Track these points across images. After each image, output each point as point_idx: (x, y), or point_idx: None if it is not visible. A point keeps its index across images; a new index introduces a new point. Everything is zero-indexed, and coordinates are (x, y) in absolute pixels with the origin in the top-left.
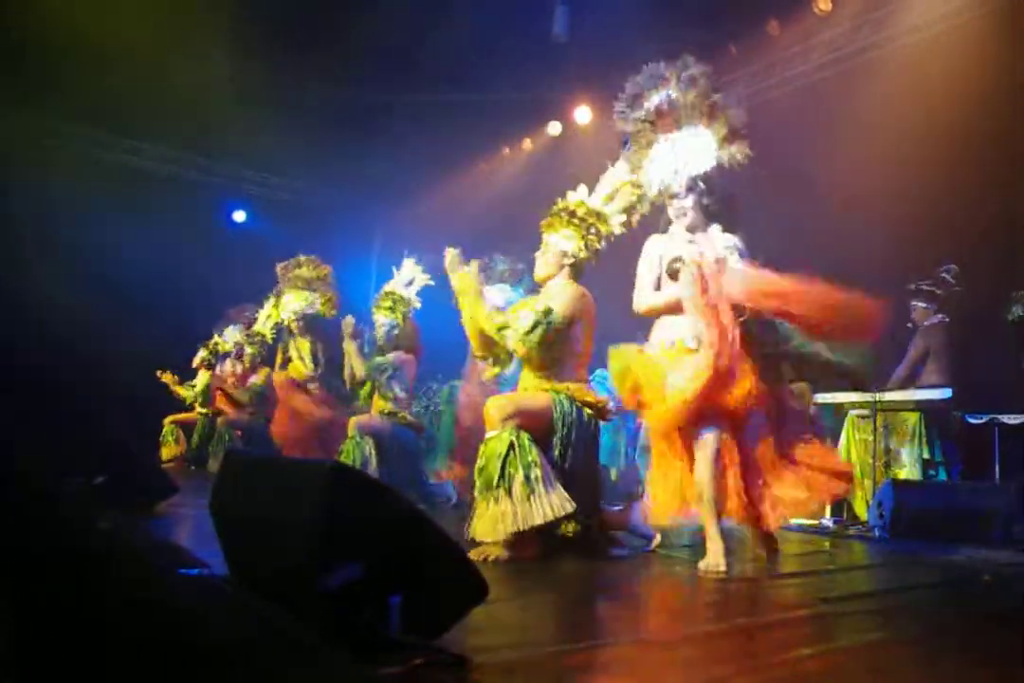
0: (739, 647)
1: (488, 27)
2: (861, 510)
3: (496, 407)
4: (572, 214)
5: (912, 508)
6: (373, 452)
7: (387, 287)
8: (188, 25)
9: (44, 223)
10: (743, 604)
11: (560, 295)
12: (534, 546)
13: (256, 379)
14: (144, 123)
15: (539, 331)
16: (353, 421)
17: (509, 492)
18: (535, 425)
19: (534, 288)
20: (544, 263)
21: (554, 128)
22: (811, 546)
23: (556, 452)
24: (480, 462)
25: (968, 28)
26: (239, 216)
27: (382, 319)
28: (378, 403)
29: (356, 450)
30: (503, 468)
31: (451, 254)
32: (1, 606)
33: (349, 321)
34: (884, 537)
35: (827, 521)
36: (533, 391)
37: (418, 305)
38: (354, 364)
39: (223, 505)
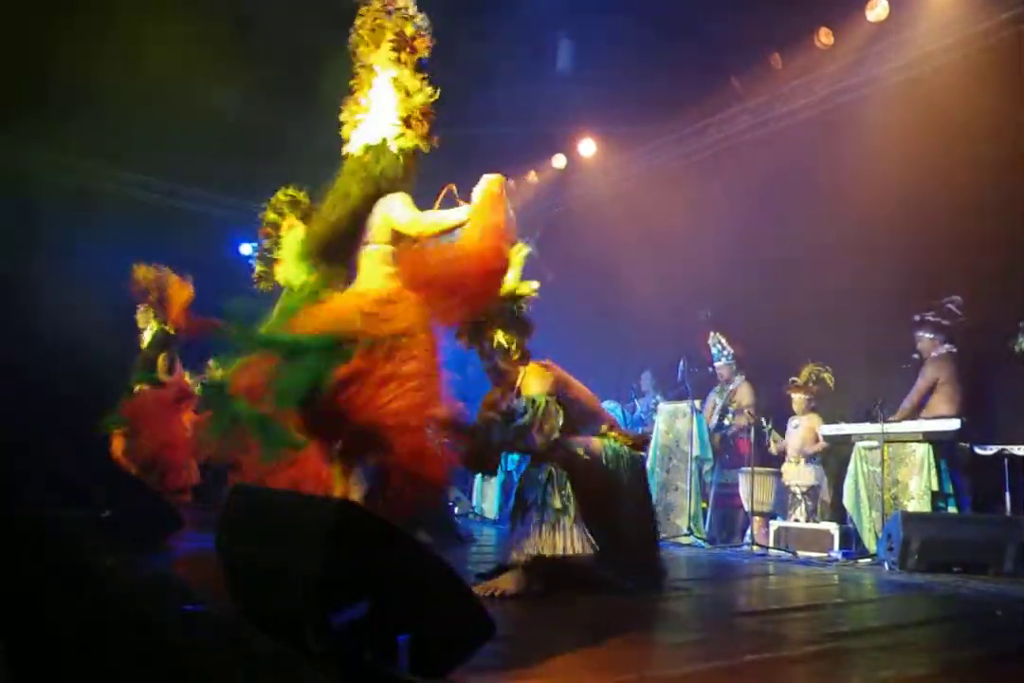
0: None
1: (492, 61)
2: (870, 542)
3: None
4: (495, 315)
5: (921, 541)
6: None
7: None
8: (195, 61)
9: (52, 256)
10: (752, 640)
11: (531, 384)
12: (542, 580)
13: None
14: (152, 157)
15: (528, 417)
16: None
17: (542, 518)
18: (578, 464)
19: None
20: (507, 372)
21: (559, 161)
22: (820, 579)
23: (604, 495)
24: (518, 489)
25: (971, 60)
26: (246, 249)
27: None
28: None
29: None
30: (541, 495)
31: None
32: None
33: None
34: (893, 570)
35: (836, 553)
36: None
37: None
38: None
39: (229, 540)
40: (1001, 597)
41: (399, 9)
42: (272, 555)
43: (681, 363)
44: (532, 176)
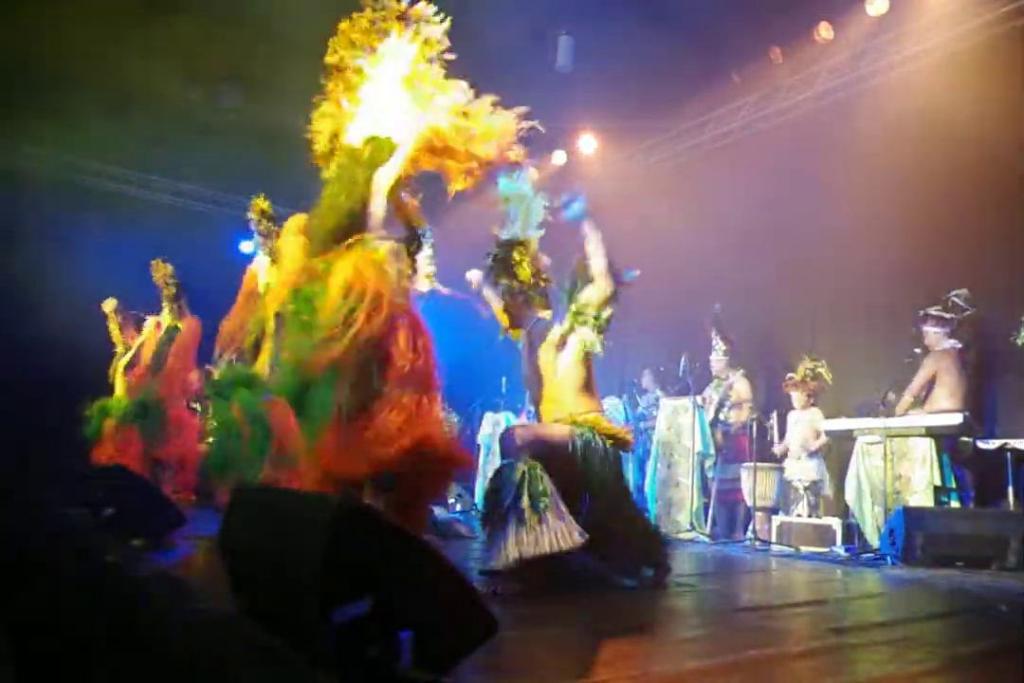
0: (750, 680)
1: (492, 57)
2: (873, 537)
3: (517, 436)
4: (495, 261)
5: (924, 535)
6: None
7: None
8: (194, 62)
9: (55, 254)
10: (754, 635)
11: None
12: (543, 577)
13: None
14: (154, 156)
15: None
16: None
17: (519, 520)
18: (553, 456)
19: None
20: (507, 313)
21: (559, 157)
22: (823, 574)
23: (577, 485)
24: (490, 489)
25: (972, 54)
26: (246, 247)
27: None
28: None
29: None
30: (514, 496)
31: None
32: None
33: None
34: (896, 565)
35: (838, 548)
36: (554, 423)
37: None
38: None
39: (231, 538)
40: (1005, 591)
41: (423, 17)
42: (274, 552)
43: (683, 359)
44: (532, 172)
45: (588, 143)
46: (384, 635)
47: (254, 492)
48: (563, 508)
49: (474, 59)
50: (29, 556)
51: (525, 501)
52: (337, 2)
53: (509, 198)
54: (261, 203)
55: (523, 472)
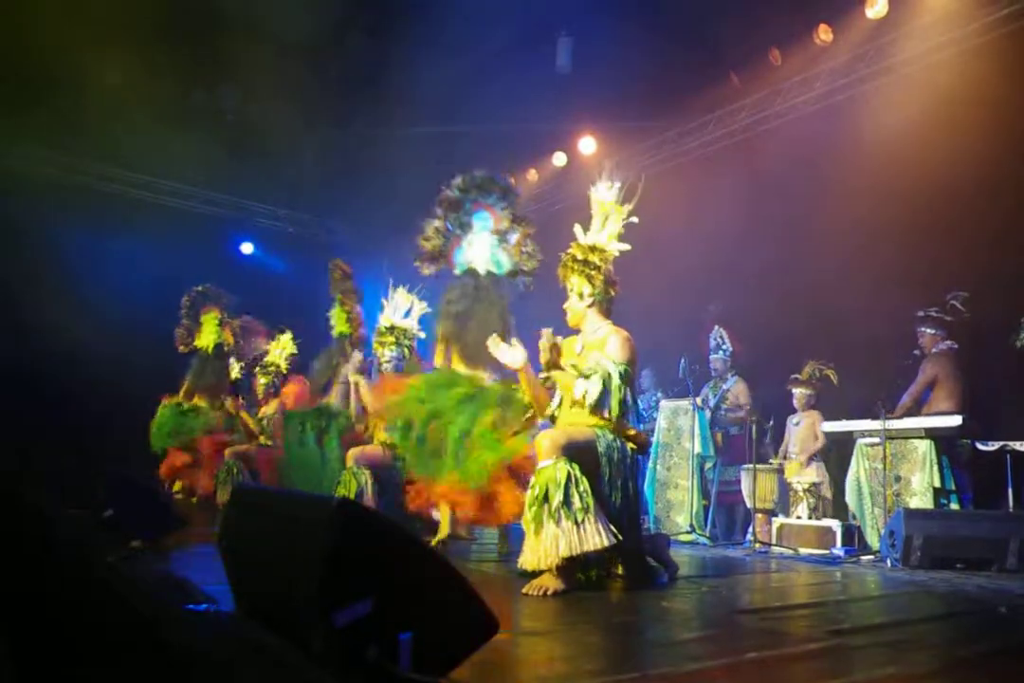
0: (749, 682)
1: (492, 59)
2: (873, 539)
3: (550, 439)
4: (575, 260)
5: (924, 537)
6: (369, 483)
7: (384, 320)
8: (194, 63)
9: (57, 255)
10: (754, 637)
11: (615, 345)
12: (576, 575)
13: (267, 409)
14: (156, 158)
15: (623, 391)
16: (352, 452)
17: (571, 517)
18: (581, 458)
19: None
20: (570, 311)
21: (559, 159)
22: (822, 576)
23: (603, 485)
24: (536, 490)
25: (970, 56)
26: (247, 248)
27: (388, 353)
28: (380, 434)
29: (353, 481)
30: (565, 494)
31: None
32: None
33: (358, 358)
34: (896, 566)
35: (838, 550)
36: (579, 426)
37: (422, 335)
38: (365, 398)
39: (231, 539)
40: (1004, 593)
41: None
42: (274, 553)
43: (682, 360)
44: (532, 174)
45: (588, 145)
46: (384, 636)
47: (253, 494)
48: (598, 510)
49: (475, 60)
50: (29, 557)
51: (577, 500)
52: (332, 4)
53: None
54: (341, 264)
55: (567, 472)
